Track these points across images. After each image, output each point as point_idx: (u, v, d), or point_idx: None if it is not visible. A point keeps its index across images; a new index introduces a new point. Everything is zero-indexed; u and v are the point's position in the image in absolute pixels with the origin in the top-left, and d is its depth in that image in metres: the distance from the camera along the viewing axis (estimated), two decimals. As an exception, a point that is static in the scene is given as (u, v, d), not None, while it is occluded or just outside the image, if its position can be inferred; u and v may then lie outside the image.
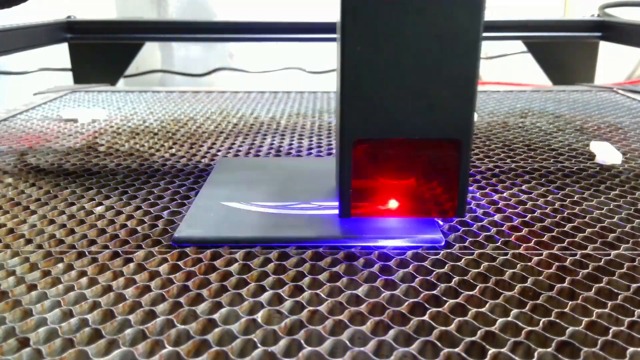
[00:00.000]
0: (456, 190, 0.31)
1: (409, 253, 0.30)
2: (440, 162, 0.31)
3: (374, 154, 0.31)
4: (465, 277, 0.28)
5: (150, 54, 1.38)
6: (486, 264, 0.29)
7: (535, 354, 0.22)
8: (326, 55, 1.26)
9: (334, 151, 0.50)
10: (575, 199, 0.38)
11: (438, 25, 0.28)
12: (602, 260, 0.30)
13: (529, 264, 0.29)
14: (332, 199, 0.37)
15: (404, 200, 0.32)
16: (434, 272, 0.29)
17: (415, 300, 0.26)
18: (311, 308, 0.26)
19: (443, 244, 0.32)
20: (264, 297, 0.27)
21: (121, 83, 1.02)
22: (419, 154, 0.31)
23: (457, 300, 0.26)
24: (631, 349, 0.23)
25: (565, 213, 0.36)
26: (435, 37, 0.28)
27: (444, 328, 0.24)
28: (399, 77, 0.29)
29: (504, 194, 0.39)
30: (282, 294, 0.27)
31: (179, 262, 0.30)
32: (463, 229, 0.34)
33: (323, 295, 0.27)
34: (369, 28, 0.28)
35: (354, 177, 0.31)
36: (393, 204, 0.32)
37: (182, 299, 0.26)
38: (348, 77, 0.29)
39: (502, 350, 0.22)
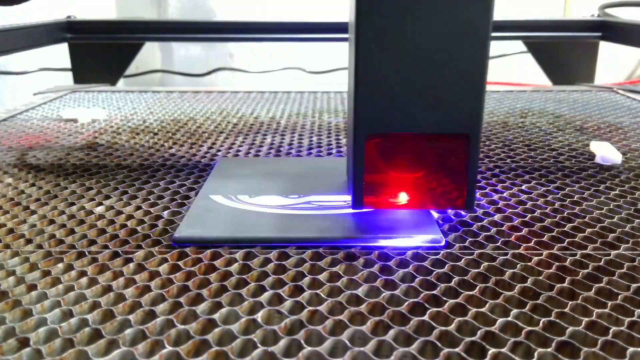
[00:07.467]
0: (465, 183, 0.32)
1: (409, 253, 0.30)
2: (450, 156, 0.32)
3: (385, 149, 0.32)
4: (465, 277, 0.28)
5: (150, 54, 1.38)
6: (486, 264, 0.29)
7: (535, 354, 0.22)
8: (326, 55, 1.26)
9: (333, 151, 0.50)
10: (575, 199, 0.38)
11: (448, 22, 0.29)
12: (602, 260, 0.30)
13: (529, 264, 0.29)
14: (333, 198, 0.37)
15: (414, 193, 0.33)
16: (434, 272, 0.29)
17: (415, 300, 0.26)
18: (311, 308, 0.26)
19: (443, 244, 0.32)
20: (264, 297, 0.27)
21: (121, 83, 1.02)
22: (430, 148, 0.32)
23: (457, 300, 0.26)
24: (631, 349, 0.23)
25: (565, 213, 0.36)
26: (445, 33, 0.29)
27: (444, 328, 0.24)
28: (410, 74, 0.30)
29: (504, 194, 0.39)
30: (282, 294, 0.27)
31: (179, 262, 0.30)
32: (463, 229, 0.34)
33: (323, 295, 0.27)
34: (381, 26, 0.29)
35: (366, 170, 0.32)
36: (404, 197, 0.33)
37: (182, 299, 0.26)
38: (361, 73, 0.30)
39: (502, 350, 0.22)
